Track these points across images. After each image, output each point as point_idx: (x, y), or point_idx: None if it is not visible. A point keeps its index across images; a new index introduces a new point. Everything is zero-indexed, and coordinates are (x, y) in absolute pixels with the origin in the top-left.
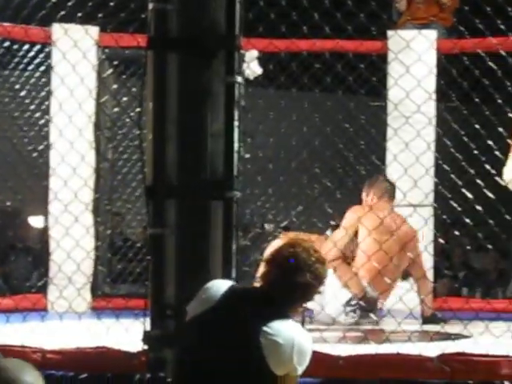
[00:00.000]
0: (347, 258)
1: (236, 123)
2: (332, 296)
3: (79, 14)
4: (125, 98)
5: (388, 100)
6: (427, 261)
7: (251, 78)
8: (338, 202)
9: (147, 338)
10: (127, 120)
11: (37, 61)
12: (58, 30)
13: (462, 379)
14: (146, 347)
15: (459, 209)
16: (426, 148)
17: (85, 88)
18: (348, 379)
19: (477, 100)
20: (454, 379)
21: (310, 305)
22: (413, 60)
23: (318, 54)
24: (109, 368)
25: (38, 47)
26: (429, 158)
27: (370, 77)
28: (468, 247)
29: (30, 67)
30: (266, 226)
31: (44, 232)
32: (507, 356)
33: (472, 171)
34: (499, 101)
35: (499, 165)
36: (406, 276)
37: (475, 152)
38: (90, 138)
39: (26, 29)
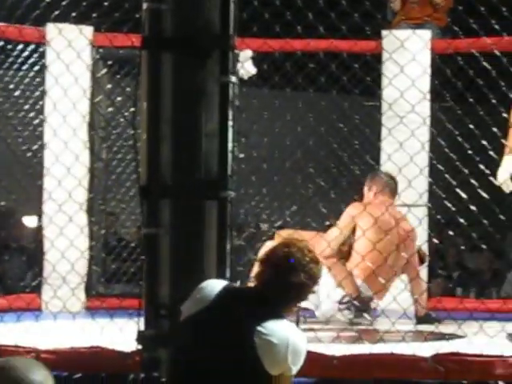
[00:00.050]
0: (343, 255)
1: (230, 123)
2: (326, 295)
3: (73, 14)
4: (119, 98)
5: (382, 100)
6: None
7: (245, 77)
8: (332, 202)
9: (141, 337)
10: (121, 120)
11: (31, 60)
12: (52, 29)
13: (456, 379)
14: (139, 347)
15: (453, 209)
16: (420, 148)
17: (79, 88)
18: (342, 379)
19: (471, 100)
20: (448, 379)
21: (304, 304)
22: (407, 60)
23: (312, 53)
24: (103, 368)
25: (32, 47)
26: (423, 157)
27: (365, 77)
28: (462, 247)
29: (24, 67)
30: (262, 226)
31: (38, 232)
32: (501, 356)
33: (466, 171)
34: (493, 101)
35: (493, 165)
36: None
37: (469, 152)
38: (84, 138)
39: (20, 28)
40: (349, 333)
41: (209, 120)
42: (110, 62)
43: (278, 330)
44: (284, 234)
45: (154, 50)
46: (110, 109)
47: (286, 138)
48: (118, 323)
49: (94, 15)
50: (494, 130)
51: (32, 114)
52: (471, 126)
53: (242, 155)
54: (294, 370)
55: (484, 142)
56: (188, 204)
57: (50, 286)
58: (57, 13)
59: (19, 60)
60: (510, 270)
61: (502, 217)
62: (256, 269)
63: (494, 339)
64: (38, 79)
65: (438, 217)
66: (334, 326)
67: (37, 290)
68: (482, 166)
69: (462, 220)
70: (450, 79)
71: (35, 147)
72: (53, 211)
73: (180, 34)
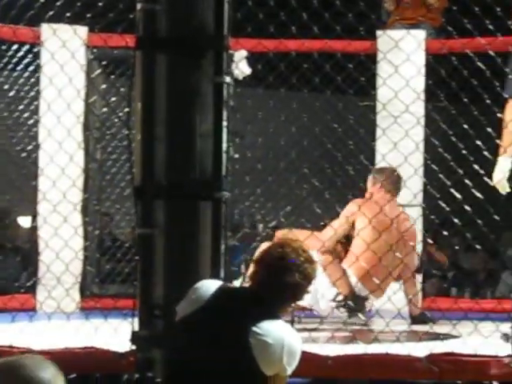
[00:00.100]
0: (338, 254)
1: (224, 123)
2: (321, 294)
3: (68, 14)
4: (113, 99)
5: (377, 100)
6: (416, 260)
7: (240, 77)
8: (326, 202)
9: (135, 338)
10: (116, 120)
11: (26, 61)
12: (46, 30)
13: (451, 379)
14: (134, 347)
15: (448, 209)
16: (415, 148)
17: (73, 88)
18: (337, 379)
19: (465, 100)
20: (443, 379)
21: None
22: (401, 60)
23: (306, 53)
24: (97, 368)
25: (27, 47)
26: (417, 158)
27: (359, 77)
28: (456, 247)
29: (19, 67)
30: (258, 226)
31: (33, 232)
32: (496, 356)
33: (460, 171)
34: (488, 101)
35: (488, 165)
36: None
37: (464, 152)
38: (79, 139)
39: (15, 29)
40: (343, 333)
41: (203, 120)
42: (104, 63)
43: (274, 330)
44: (289, 235)
45: (148, 50)
46: (105, 109)
47: (280, 138)
48: (113, 323)
49: (89, 16)
50: (489, 130)
51: (26, 115)
52: (465, 126)
53: (236, 155)
54: (289, 370)
55: (478, 142)
56: (182, 204)
57: (45, 286)
58: (51, 13)
59: (14, 60)
60: (504, 270)
61: (496, 217)
62: (251, 269)
63: (488, 339)
64: (32, 80)
65: (433, 217)
66: (328, 326)
67: (31, 290)
68: (476, 166)
69: (456, 220)
70: (444, 79)
71: (30, 148)
72: (47, 211)
73: (174, 34)
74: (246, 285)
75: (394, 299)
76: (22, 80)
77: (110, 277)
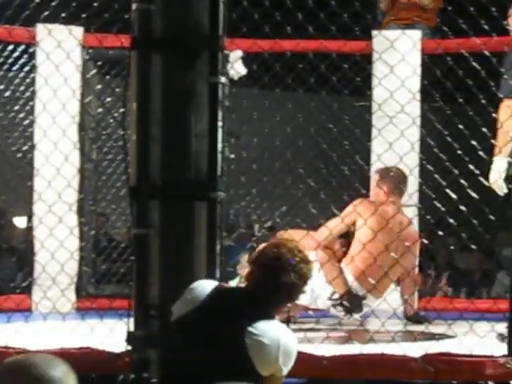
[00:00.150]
0: (338, 253)
1: (220, 123)
2: (317, 294)
3: (63, 15)
4: (109, 99)
5: (372, 100)
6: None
7: (236, 78)
8: (322, 203)
9: (131, 338)
10: (112, 120)
11: (21, 61)
12: (42, 30)
13: (446, 379)
14: (129, 348)
15: (443, 209)
16: (410, 148)
17: (69, 88)
18: (332, 379)
19: (460, 100)
20: (438, 379)
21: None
22: (397, 60)
23: (301, 54)
24: (93, 369)
25: (22, 47)
26: (413, 158)
27: (355, 77)
28: (451, 247)
29: (15, 67)
30: (255, 226)
31: (28, 232)
32: (491, 356)
33: (456, 171)
34: (483, 101)
35: (483, 165)
36: None
37: (459, 152)
38: (74, 139)
39: (10, 29)
40: (339, 333)
41: (198, 121)
42: (99, 63)
43: (269, 330)
44: (285, 235)
45: (143, 50)
46: (101, 109)
47: (275, 138)
48: (108, 324)
49: (84, 16)
50: (484, 130)
51: (22, 115)
52: (461, 127)
53: (232, 156)
54: (285, 370)
55: (474, 142)
56: (178, 205)
57: (40, 286)
58: (47, 13)
59: (9, 61)
60: (500, 270)
61: (491, 217)
62: (247, 269)
63: (483, 339)
64: (28, 80)
65: (428, 217)
66: (324, 326)
67: (27, 290)
68: (471, 167)
69: (451, 220)
70: (439, 79)
71: (25, 148)
72: (43, 212)
73: (169, 34)
74: (242, 285)
75: (389, 299)
76: (17, 80)
77: (105, 277)
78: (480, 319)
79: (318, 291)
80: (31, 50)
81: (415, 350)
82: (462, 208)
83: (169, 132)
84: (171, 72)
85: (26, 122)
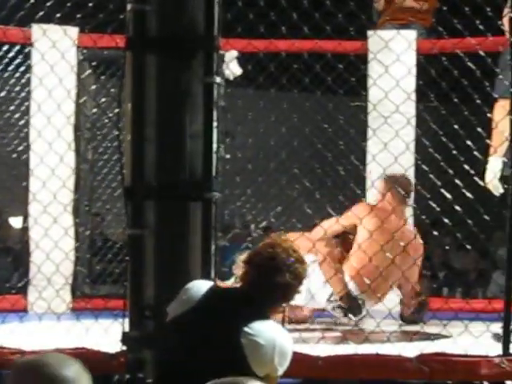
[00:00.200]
0: (338, 254)
1: (215, 124)
2: (314, 293)
3: (58, 15)
4: (104, 99)
5: (368, 100)
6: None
7: (231, 78)
8: (317, 203)
9: (126, 338)
10: (107, 121)
11: (17, 61)
12: (37, 30)
13: (441, 379)
14: (124, 348)
15: (438, 209)
16: (405, 148)
17: (63, 89)
18: (327, 379)
19: (456, 100)
20: (433, 379)
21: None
22: (392, 60)
23: (296, 54)
24: (88, 369)
25: (17, 48)
26: (408, 158)
27: (350, 77)
28: (447, 247)
29: (10, 68)
30: (252, 227)
31: (24, 233)
32: (486, 356)
33: (451, 171)
34: (478, 101)
35: (478, 165)
36: None
37: (454, 152)
38: (69, 139)
39: (5, 29)
40: (334, 333)
41: (193, 121)
42: (94, 63)
43: (265, 330)
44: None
45: (138, 50)
46: (96, 110)
47: (270, 138)
48: (103, 324)
49: (79, 16)
50: (479, 130)
51: (17, 115)
52: (456, 126)
53: (227, 156)
54: (281, 370)
55: (469, 142)
56: (172, 205)
57: (35, 287)
58: (42, 14)
59: (4, 61)
60: (495, 270)
61: (486, 217)
62: (241, 270)
63: (479, 339)
64: (23, 80)
65: (424, 217)
66: (319, 326)
67: (23, 291)
68: (466, 166)
69: (446, 220)
70: (434, 79)
71: (21, 148)
72: (38, 212)
73: (164, 34)
74: (237, 285)
75: (384, 299)
76: (12, 81)
77: (101, 277)
78: (475, 319)
79: (314, 291)
80: (26, 51)
81: (410, 350)
82: (458, 208)
83: (163, 132)
84: (166, 72)
85: (22, 122)
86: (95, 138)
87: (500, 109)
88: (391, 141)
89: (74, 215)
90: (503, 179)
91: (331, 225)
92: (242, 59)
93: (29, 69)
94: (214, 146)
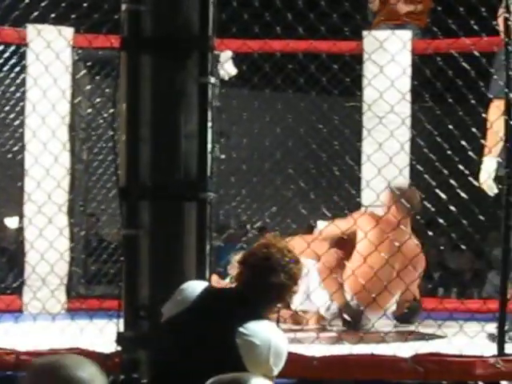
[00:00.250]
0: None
1: (209, 124)
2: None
3: (53, 15)
4: (99, 99)
5: (363, 101)
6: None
7: (226, 78)
8: (312, 203)
9: (121, 339)
10: (102, 121)
11: (12, 62)
12: (32, 30)
13: (436, 380)
14: (119, 348)
15: (433, 209)
16: (400, 148)
17: (58, 89)
18: (322, 380)
19: (450, 100)
20: (428, 379)
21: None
22: (387, 60)
23: (291, 54)
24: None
25: (12, 48)
26: (403, 158)
27: (345, 77)
28: (442, 247)
29: (5, 68)
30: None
31: (19, 233)
32: (481, 356)
33: (446, 171)
34: (473, 101)
35: (473, 165)
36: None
37: (449, 152)
38: (64, 139)
39: (0, 30)
40: (329, 334)
41: (188, 121)
42: (89, 64)
43: (260, 331)
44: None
45: (132, 51)
46: (91, 110)
47: (265, 138)
48: (98, 324)
49: (74, 16)
50: (474, 130)
51: (13, 116)
52: (450, 127)
53: (222, 156)
54: (276, 371)
55: (463, 143)
56: (167, 205)
57: (30, 287)
58: (36, 14)
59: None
60: (490, 270)
61: (481, 217)
62: (236, 270)
63: (474, 339)
64: (18, 81)
65: (418, 217)
66: (314, 326)
67: (18, 291)
68: (461, 167)
69: (441, 220)
70: (429, 79)
71: (16, 148)
72: (33, 213)
73: (159, 35)
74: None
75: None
76: (7, 81)
77: (96, 278)
78: (470, 319)
79: (311, 293)
80: (21, 51)
81: (405, 350)
82: (452, 208)
83: (158, 133)
84: (161, 72)
85: (17, 122)
86: (90, 138)
87: (495, 109)
88: (386, 141)
89: (68, 215)
90: (498, 179)
91: (332, 229)
92: (237, 59)
93: (24, 69)
94: (209, 146)
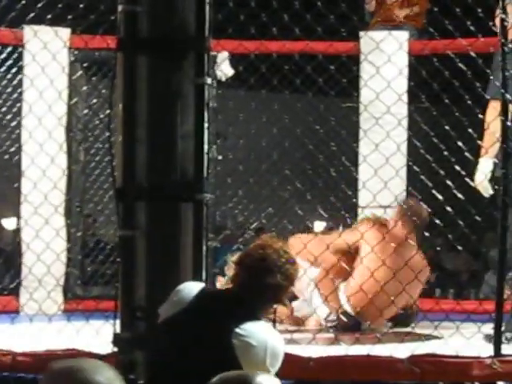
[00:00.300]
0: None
1: (206, 125)
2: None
3: (49, 16)
4: (95, 100)
5: (360, 101)
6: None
7: (223, 79)
8: (309, 204)
9: (117, 340)
10: (98, 122)
11: (8, 63)
12: (28, 31)
13: (433, 380)
14: (116, 349)
15: (430, 210)
16: (397, 149)
17: (55, 90)
18: (319, 381)
19: (447, 101)
20: (424, 380)
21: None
22: (383, 61)
23: (288, 55)
24: None
25: (9, 49)
26: (399, 159)
27: (341, 78)
28: (438, 248)
29: (2, 69)
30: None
31: (16, 234)
32: (478, 357)
33: (442, 172)
34: (469, 102)
35: (469, 166)
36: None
37: (445, 153)
38: (60, 140)
39: None
40: (325, 335)
41: (184, 122)
42: (86, 64)
43: (257, 331)
44: (296, 241)
45: (129, 51)
46: (87, 111)
47: (262, 139)
48: (95, 325)
49: (70, 17)
50: (470, 131)
51: (9, 117)
52: (447, 127)
53: (219, 157)
54: (272, 372)
55: (460, 143)
56: (164, 206)
57: (26, 288)
58: (32, 15)
59: None
60: (487, 271)
61: (478, 218)
62: (232, 271)
63: (470, 340)
64: (15, 82)
65: (414, 218)
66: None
67: (15, 292)
68: (458, 167)
69: (438, 221)
70: (426, 80)
71: (13, 149)
72: (29, 213)
73: (155, 35)
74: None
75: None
76: (4, 82)
77: (93, 279)
78: (467, 320)
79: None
80: (18, 52)
81: (401, 351)
82: (449, 209)
83: (155, 133)
84: (157, 73)
85: (14, 123)
86: (87, 139)
87: (492, 110)
88: (383, 142)
89: (65, 216)
90: (494, 180)
91: (341, 244)
92: (233, 60)
93: (20, 70)
94: (206, 146)
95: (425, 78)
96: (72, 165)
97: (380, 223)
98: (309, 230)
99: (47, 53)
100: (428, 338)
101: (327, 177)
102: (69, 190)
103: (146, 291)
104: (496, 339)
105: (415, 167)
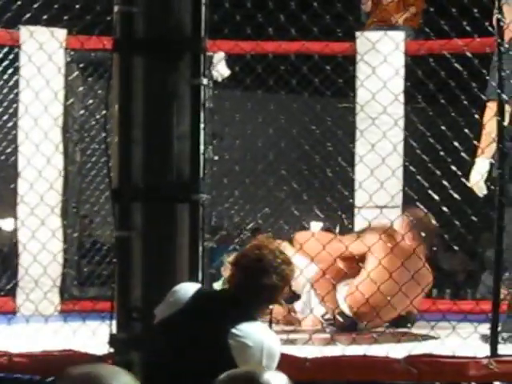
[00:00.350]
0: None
1: (202, 125)
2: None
3: (45, 17)
4: (91, 101)
5: (356, 102)
6: None
7: (219, 79)
8: (305, 204)
9: (113, 340)
10: (94, 122)
11: (5, 63)
12: (24, 32)
13: (429, 381)
14: (112, 350)
15: (426, 210)
16: (393, 149)
17: (51, 91)
18: (315, 381)
19: (443, 101)
20: (421, 381)
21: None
22: (379, 61)
23: (284, 55)
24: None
25: (5, 50)
26: (396, 159)
27: (338, 78)
28: (434, 248)
29: None
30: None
31: (13, 235)
32: (474, 357)
33: (439, 172)
34: (465, 102)
35: (466, 166)
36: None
37: (442, 153)
38: (57, 141)
39: None
40: (321, 335)
41: (180, 122)
42: (82, 65)
43: (253, 332)
44: (300, 239)
45: (125, 52)
46: (83, 112)
47: (258, 140)
48: (91, 326)
49: (66, 18)
50: (466, 131)
51: (5, 117)
52: (443, 128)
53: (215, 157)
54: None
55: (456, 144)
56: (160, 207)
57: (23, 289)
58: (29, 15)
59: None
60: (483, 271)
61: (474, 218)
62: (228, 271)
63: (467, 341)
64: (11, 82)
65: (411, 218)
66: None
67: (11, 293)
68: (454, 168)
69: (434, 221)
70: (422, 80)
71: (9, 150)
72: (25, 214)
73: (151, 36)
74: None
75: None
76: (0, 82)
77: (89, 279)
78: (463, 320)
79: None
80: (14, 52)
81: (398, 351)
82: (445, 209)
83: (151, 134)
84: (153, 74)
85: (10, 124)
86: (83, 139)
87: (489, 110)
88: (379, 142)
89: (61, 217)
90: (490, 180)
91: (339, 248)
92: (230, 61)
93: (17, 71)
94: (202, 147)
95: (421, 78)
96: (68, 165)
97: (388, 234)
98: (305, 230)
99: (43, 53)
100: (425, 338)
101: (323, 177)
102: (65, 191)
103: (142, 292)
104: (493, 339)
105: (411, 167)
